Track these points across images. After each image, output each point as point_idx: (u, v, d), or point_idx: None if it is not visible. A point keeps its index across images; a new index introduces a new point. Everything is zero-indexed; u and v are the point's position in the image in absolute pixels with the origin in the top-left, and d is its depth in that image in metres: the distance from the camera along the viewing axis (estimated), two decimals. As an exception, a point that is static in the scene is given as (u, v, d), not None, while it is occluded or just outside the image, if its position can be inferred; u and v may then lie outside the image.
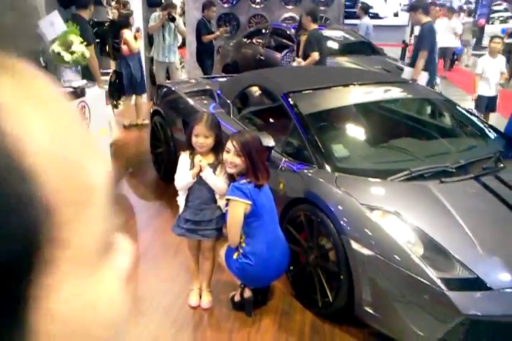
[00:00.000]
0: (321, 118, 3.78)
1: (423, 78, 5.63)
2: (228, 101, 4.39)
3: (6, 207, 0.27)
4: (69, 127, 0.34)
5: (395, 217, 2.72)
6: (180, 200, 3.01)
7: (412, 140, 3.78)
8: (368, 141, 3.70)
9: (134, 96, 7.21)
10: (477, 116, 4.20)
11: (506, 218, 2.85)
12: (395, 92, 4.22)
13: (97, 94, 4.29)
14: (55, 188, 0.30)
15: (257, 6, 10.41)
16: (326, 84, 4.03)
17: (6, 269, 0.28)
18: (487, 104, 6.39)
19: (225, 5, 10.40)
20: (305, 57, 6.28)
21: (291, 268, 3.18)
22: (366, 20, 10.47)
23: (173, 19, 7.36)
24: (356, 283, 2.71)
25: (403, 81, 4.78)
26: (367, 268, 2.66)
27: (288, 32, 8.32)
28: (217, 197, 2.96)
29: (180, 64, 8.67)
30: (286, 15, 10.15)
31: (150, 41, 7.91)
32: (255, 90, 4.56)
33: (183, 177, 2.93)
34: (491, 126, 4.06)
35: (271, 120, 4.32)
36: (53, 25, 4.61)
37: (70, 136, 0.33)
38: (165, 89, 5.23)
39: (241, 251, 2.84)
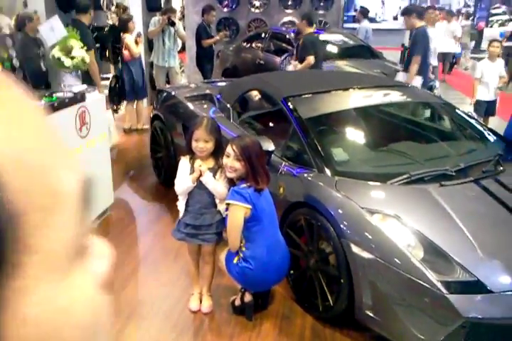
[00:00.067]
0: (321, 122, 3.79)
1: (417, 82, 5.62)
2: (228, 106, 4.40)
3: None
4: (32, 131, 0.34)
5: (395, 221, 2.72)
6: (180, 205, 3.02)
7: (412, 143, 3.78)
8: (367, 145, 3.70)
9: (135, 101, 7.23)
10: (476, 120, 4.21)
11: (506, 221, 2.86)
12: (395, 96, 4.23)
13: (97, 98, 4.30)
14: (19, 191, 0.30)
15: (257, 11, 10.45)
16: (326, 88, 4.04)
17: None
18: (486, 108, 6.39)
19: (225, 9, 10.44)
20: (301, 61, 6.30)
21: (292, 272, 3.18)
22: (365, 24, 10.51)
23: (172, 24, 7.39)
24: (356, 287, 2.71)
25: (402, 85, 4.79)
26: (367, 271, 2.66)
27: (287, 36, 8.35)
28: (217, 201, 2.96)
29: (180, 68, 8.69)
30: (286, 19, 10.19)
31: (150, 46, 7.94)
32: (255, 94, 4.58)
33: (183, 181, 2.94)
34: (490, 129, 4.06)
35: (271, 124, 4.32)
36: (53, 30, 4.62)
37: (34, 140, 0.33)
38: (165, 94, 5.24)
39: (241, 255, 2.85)
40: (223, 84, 5.43)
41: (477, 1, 21.31)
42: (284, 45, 8.38)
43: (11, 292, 0.30)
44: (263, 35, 9.03)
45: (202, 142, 2.88)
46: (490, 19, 18.36)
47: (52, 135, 0.36)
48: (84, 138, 3.99)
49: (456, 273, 2.47)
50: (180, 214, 3.02)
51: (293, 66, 6.64)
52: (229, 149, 2.80)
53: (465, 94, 9.34)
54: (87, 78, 5.18)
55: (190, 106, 4.73)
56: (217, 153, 2.93)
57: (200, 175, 2.89)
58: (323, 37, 7.91)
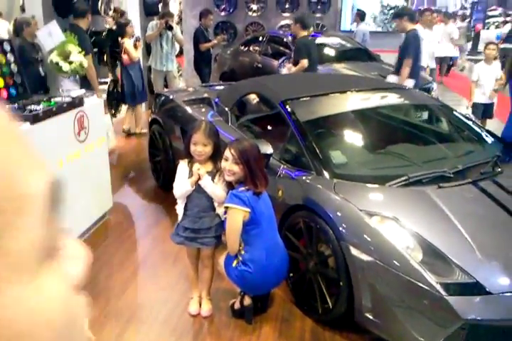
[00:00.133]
0: (319, 125, 3.80)
1: (409, 85, 5.63)
2: (226, 109, 4.41)
3: None
4: None
5: (394, 223, 2.72)
6: (179, 208, 3.02)
7: (410, 145, 3.79)
8: (365, 147, 3.71)
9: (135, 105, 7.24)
10: (474, 121, 4.22)
11: (504, 222, 2.86)
12: (392, 98, 4.24)
13: (95, 103, 4.31)
14: None
15: (254, 14, 10.49)
16: (323, 91, 4.05)
17: None
18: (483, 111, 6.39)
19: (222, 13, 10.48)
20: (295, 64, 6.30)
21: (291, 275, 3.18)
22: (363, 26, 10.53)
23: (170, 28, 7.41)
24: (356, 289, 2.72)
25: (400, 87, 4.81)
26: (366, 274, 2.66)
27: (285, 39, 8.37)
28: (215, 205, 2.96)
29: (178, 72, 8.71)
30: (283, 22, 10.23)
31: (148, 50, 7.96)
32: (253, 98, 4.58)
33: (182, 185, 2.94)
34: (487, 131, 4.07)
35: (269, 127, 4.33)
36: (51, 35, 4.64)
37: None
38: (163, 98, 5.25)
39: (240, 258, 2.85)
40: (221, 87, 5.45)
41: (474, 3, 21.40)
42: (281, 48, 8.40)
43: None
44: (260, 38, 9.05)
45: (200, 146, 2.89)
46: (486, 21, 18.42)
47: (17, 139, 0.36)
48: (82, 142, 3.99)
49: (455, 275, 2.48)
50: (179, 218, 3.02)
51: (287, 69, 6.65)
52: (227, 153, 2.80)
53: (462, 95, 9.37)
54: (85, 83, 5.19)
55: (189, 110, 4.74)
56: (216, 156, 2.94)
57: (199, 178, 2.89)
58: (320, 40, 7.94)
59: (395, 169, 3.32)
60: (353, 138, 3.87)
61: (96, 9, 6.60)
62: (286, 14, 10.29)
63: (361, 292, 2.68)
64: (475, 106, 6.40)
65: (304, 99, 3.91)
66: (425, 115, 4.55)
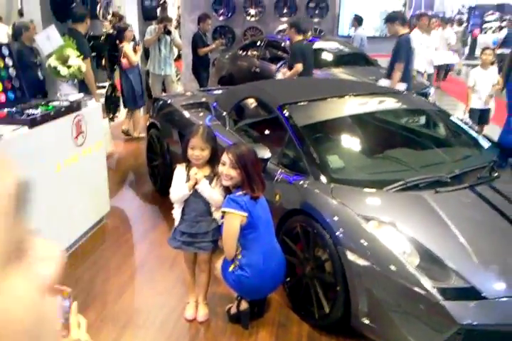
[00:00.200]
0: (317, 130, 3.80)
1: (401, 89, 5.64)
2: (224, 114, 4.42)
3: None
4: None
5: (391, 228, 2.73)
6: (176, 213, 3.02)
7: (407, 150, 3.80)
8: (363, 152, 3.72)
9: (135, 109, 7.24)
10: (471, 126, 4.23)
11: (501, 227, 2.86)
12: (390, 103, 4.25)
13: (93, 107, 4.31)
14: None
15: (252, 19, 10.51)
16: (321, 96, 4.06)
17: None
18: (480, 117, 6.40)
19: (220, 18, 10.50)
20: (290, 69, 6.30)
21: (288, 279, 3.18)
22: (360, 31, 10.56)
23: (168, 32, 7.43)
24: (352, 294, 2.72)
25: (397, 92, 4.82)
26: (363, 278, 2.66)
27: (283, 44, 8.38)
28: (212, 209, 2.97)
29: (176, 76, 8.73)
30: (281, 27, 10.24)
31: (146, 54, 7.97)
32: (251, 102, 4.60)
33: (179, 189, 2.94)
34: (484, 136, 4.08)
35: (267, 132, 4.34)
36: (50, 39, 4.64)
37: None
38: (161, 102, 5.26)
39: (237, 263, 2.85)
40: (219, 92, 5.45)
41: (471, 8, 21.46)
42: (279, 52, 8.41)
43: None
44: (259, 43, 9.07)
45: (198, 150, 2.90)
46: (484, 26, 18.48)
47: None
48: (80, 146, 3.99)
49: (451, 280, 2.48)
50: (176, 223, 3.02)
51: (282, 73, 6.65)
52: (224, 157, 2.81)
53: (459, 100, 9.39)
54: (83, 87, 5.20)
55: (187, 114, 4.74)
56: (213, 161, 2.94)
57: (196, 183, 2.89)
58: (318, 44, 7.95)
59: (392, 174, 3.32)
60: (351, 142, 3.87)
61: (94, 14, 6.62)
62: (284, 19, 10.30)
63: (358, 297, 2.68)
64: (472, 112, 6.41)
65: (302, 103, 3.92)
66: (422, 120, 4.56)
